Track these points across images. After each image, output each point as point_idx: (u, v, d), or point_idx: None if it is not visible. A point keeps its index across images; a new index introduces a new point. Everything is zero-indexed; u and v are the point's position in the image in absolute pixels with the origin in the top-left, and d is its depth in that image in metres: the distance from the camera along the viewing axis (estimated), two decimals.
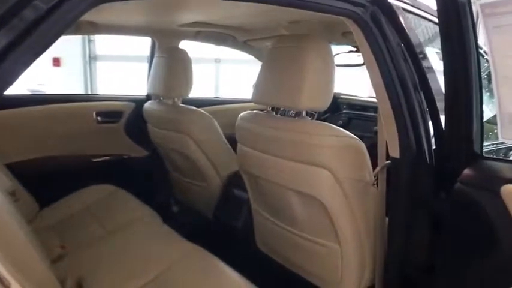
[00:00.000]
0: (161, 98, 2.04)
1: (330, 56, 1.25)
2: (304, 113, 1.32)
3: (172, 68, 1.88)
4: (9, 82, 0.61)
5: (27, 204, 1.92)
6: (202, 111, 1.90)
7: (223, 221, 1.94)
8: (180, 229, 1.79)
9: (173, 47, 2.02)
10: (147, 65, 2.37)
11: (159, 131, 2.03)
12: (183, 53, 1.89)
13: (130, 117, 2.30)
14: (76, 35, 2.07)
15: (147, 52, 2.38)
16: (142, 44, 2.50)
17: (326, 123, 1.26)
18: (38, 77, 5.17)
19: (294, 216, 1.39)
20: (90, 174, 2.18)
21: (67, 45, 4.93)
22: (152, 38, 2.28)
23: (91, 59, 5.06)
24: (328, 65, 1.23)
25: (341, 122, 2.48)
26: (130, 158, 2.37)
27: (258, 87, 1.36)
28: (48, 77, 5.09)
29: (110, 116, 2.25)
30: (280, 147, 1.29)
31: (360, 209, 1.25)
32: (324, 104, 1.24)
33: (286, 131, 1.27)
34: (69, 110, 2.15)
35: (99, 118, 2.22)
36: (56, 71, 5.07)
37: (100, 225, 1.77)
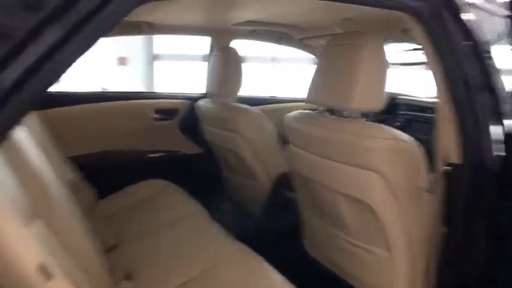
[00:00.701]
0: (214, 96, 2.07)
1: (383, 54, 1.18)
2: (357, 114, 1.26)
3: (224, 66, 1.90)
4: (56, 79, 0.63)
5: (88, 195, 2.03)
6: (254, 109, 1.90)
7: (271, 221, 1.93)
8: (229, 227, 1.79)
9: (226, 46, 2.05)
10: (204, 63, 2.42)
11: (211, 129, 2.06)
12: (234, 52, 1.91)
13: (186, 115, 2.36)
14: (136, 35, 2.15)
15: (204, 51, 2.43)
16: (202, 43, 2.55)
17: (380, 124, 1.19)
18: (105, 76, 5.51)
19: (344, 220, 1.34)
20: (146, 169, 2.26)
21: (132, 45, 5.18)
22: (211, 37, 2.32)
23: (152, 58, 5.29)
24: (381, 63, 1.17)
25: (398, 123, 2.37)
26: (185, 155, 2.43)
27: (311, 86, 1.33)
28: (114, 75, 5.39)
29: (166, 113, 2.33)
30: (331, 149, 1.25)
31: (412, 216, 1.18)
32: (377, 104, 1.18)
33: (337, 132, 1.22)
34: (129, 107, 2.25)
35: (156, 115, 2.30)
36: (122, 70, 5.34)
37: (151, 219, 1.82)
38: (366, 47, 1.15)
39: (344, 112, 1.29)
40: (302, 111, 1.43)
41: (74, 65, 0.68)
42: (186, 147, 2.42)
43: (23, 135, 1.32)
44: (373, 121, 2.11)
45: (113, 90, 2.60)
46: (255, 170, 1.95)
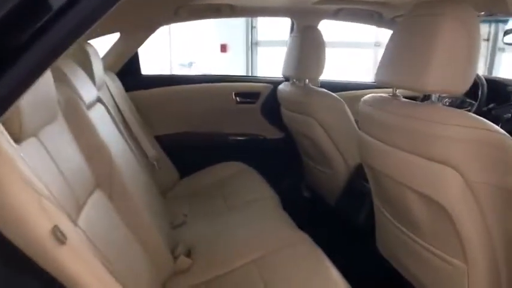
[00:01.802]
0: (294, 80, 1.99)
1: (475, 27, 0.98)
2: (434, 97, 1.07)
3: (304, 48, 1.80)
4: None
5: (169, 172, 2.14)
6: (334, 94, 1.78)
7: (344, 212, 1.80)
8: (301, 214, 1.74)
9: (307, 26, 1.94)
10: None
11: (289, 113, 1.99)
12: (316, 33, 1.79)
13: (268, 99, 2.32)
14: (217, 18, 2.17)
15: None
16: None
17: (462, 110, 1.00)
18: (208, 62, 5.78)
19: (414, 220, 1.17)
20: (226, 151, 2.30)
21: (233, 32, 5.33)
22: (291, 19, 2.23)
23: (253, 44, 5.37)
24: (471, 37, 0.97)
25: (510, 115, 2.00)
26: (265, 139, 2.40)
27: (381, 65, 1.18)
28: (216, 62, 5.61)
29: (248, 96, 2.32)
30: (400, 137, 1.09)
31: (497, 224, 0.96)
32: (460, 86, 0.98)
33: (408, 117, 1.06)
34: (212, 90, 2.29)
35: (238, 98, 2.31)
36: (223, 56, 5.54)
37: (223, 200, 1.85)
38: (453, 17, 0.96)
39: (432, 96, 1.11)
40: (376, 94, 1.27)
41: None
42: (267, 131, 2.39)
43: (99, 113, 1.43)
44: (478, 111, 1.83)
45: (195, 74, 2.67)
46: (332, 159, 1.83)
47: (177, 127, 2.27)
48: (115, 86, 1.97)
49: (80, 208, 0.99)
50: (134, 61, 2.18)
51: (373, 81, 2.53)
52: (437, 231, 1.10)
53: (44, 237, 0.64)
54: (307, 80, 1.89)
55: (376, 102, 1.22)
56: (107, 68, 2.04)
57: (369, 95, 1.29)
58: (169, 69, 5.50)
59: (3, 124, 0.75)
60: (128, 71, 2.13)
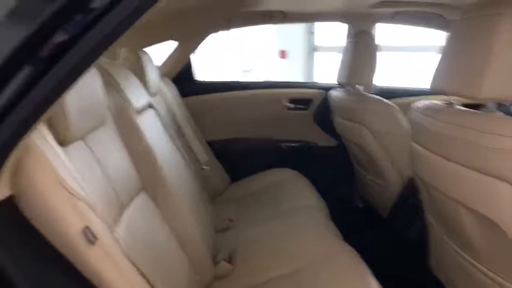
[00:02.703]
0: (347, 86, 1.93)
1: None
2: (491, 105, 0.98)
3: (356, 53, 1.74)
4: None
5: (220, 177, 2.18)
6: (387, 101, 1.69)
7: (396, 225, 1.70)
8: (352, 225, 1.69)
9: (360, 31, 1.87)
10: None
11: (340, 120, 1.93)
12: (369, 37, 1.73)
13: (320, 105, 2.27)
14: (269, 24, 2.16)
15: None
16: None
17: None
18: (267, 68, 5.81)
19: (469, 240, 1.07)
20: (277, 158, 2.29)
21: (293, 38, 5.31)
22: (348, 25, 2.17)
23: (311, 50, 5.30)
24: None
25: None
26: (317, 147, 2.35)
27: (435, 71, 1.10)
28: (275, 68, 5.63)
29: (300, 103, 2.29)
30: (451, 148, 1.00)
31: None
32: None
33: (459, 127, 0.97)
34: (264, 96, 2.30)
35: (289, 105, 2.29)
36: (283, 62, 5.53)
37: (270, 206, 1.83)
38: (510, 15, 0.87)
39: (489, 104, 1.02)
40: (428, 101, 1.19)
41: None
42: (320, 138, 2.34)
43: (149, 119, 1.48)
44: None
45: (247, 80, 2.69)
46: (384, 169, 1.74)
47: (229, 133, 2.30)
48: (170, 91, 2.04)
49: (122, 209, 1.02)
50: (188, 67, 2.25)
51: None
52: (493, 254, 1.00)
53: (74, 236, 0.67)
54: (359, 87, 1.82)
55: (428, 109, 1.14)
56: (164, 75, 2.13)
57: (421, 102, 1.21)
58: (229, 76, 5.61)
59: (50, 127, 0.80)
60: (182, 77, 2.20)
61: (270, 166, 2.22)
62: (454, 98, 1.11)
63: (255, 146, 2.31)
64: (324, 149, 2.34)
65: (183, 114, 2.07)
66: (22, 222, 0.65)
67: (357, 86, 1.85)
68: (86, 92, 0.94)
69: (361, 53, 1.73)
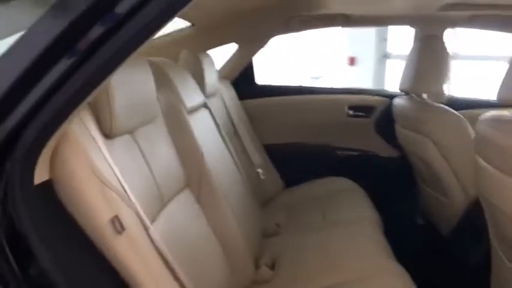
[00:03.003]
0: (412, 95, 1.81)
1: None
2: None
3: (422, 59, 1.62)
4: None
5: (274, 182, 2.16)
6: (454, 111, 1.56)
7: (457, 248, 1.55)
8: (410, 243, 1.60)
9: (428, 35, 1.73)
10: None
11: (402, 130, 1.81)
12: (438, 42, 1.60)
13: (383, 114, 2.15)
14: (329, 27, 2.09)
15: None
16: None
17: None
18: (335, 75, 5.69)
19: None
20: (334, 166, 2.21)
21: (363, 45, 5.15)
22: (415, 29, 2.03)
23: (383, 57, 5.09)
24: None
25: None
26: (377, 157, 2.23)
27: (503, 80, 0.99)
28: (344, 75, 5.50)
29: (361, 110, 2.19)
30: None
31: None
32: None
33: None
34: (322, 102, 2.23)
35: (350, 112, 2.20)
36: (351, 69, 5.39)
37: (321, 215, 1.78)
38: None
39: None
40: (497, 112, 1.07)
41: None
42: (381, 148, 2.22)
43: (201, 118, 1.51)
44: None
45: (307, 85, 2.64)
46: (449, 185, 1.60)
47: (286, 137, 2.27)
48: (229, 94, 2.07)
49: (164, 205, 1.05)
50: (249, 71, 2.26)
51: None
52: None
53: (103, 224, 0.69)
54: (425, 95, 1.69)
55: (495, 121, 1.03)
56: (224, 77, 2.17)
57: (489, 113, 1.09)
58: (297, 82, 5.59)
59: (97, 118, 0.84)
60: (243, 80, 2.22)
61: (326, 174, 2.15)
62: None
63: (312, 152, 2.26)
64: (385, 160, 2.22)
65: (240, 117, 2.08)
66: (57, 206, 0.68)
67: (423, 94, 1.72)
68: (137, 88, 0.98)
69: (427, 58, 1.60)
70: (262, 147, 2.19)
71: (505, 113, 1.05)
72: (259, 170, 2.03)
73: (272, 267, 1.39)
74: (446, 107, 1.57)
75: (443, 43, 1.61)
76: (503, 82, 0.98)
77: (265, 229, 1.68)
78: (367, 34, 5.05)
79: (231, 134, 1.95)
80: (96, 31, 0.59)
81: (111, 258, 0.70)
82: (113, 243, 0.70)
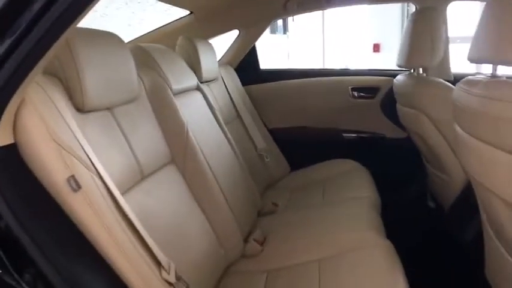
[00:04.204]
0: (412, 71, 1.78)
1: None
2: None
3: (415, 32, 1.59)
4: None
5: (280, 165, 2.19)
6: (449, 84, 1.51)
7: (452, 226, 1.51)
8: (419, 225, 1.63)
9: (423, 8, 1.68)
10: None
11: (401, 108, 1.78)
12: (432, 13, 1.55)
13: (388, 94, 2.12)
14: (326, 8, 2.07)
15: None
16: None
17: None
18: (360, 61, 5.60)
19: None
20: (340, 148, 2.21)
21: (387, 32, 5.04)
22: (413, 3, 1.98)
23: None
24: None
25: None
26: (385, 138, 2.20)
27: (474, 40, 0.96)
28: (369, 61, 5.41)
29: (365, 91, 2.17)
30: (482, 127, 0.87)
31: None
32: None
33: (494, 100, 0.84)
34: (326, 84, 2.23)
35: (354, 93, 2.19)
36: (376, 56, 5.29)
37: (322, 195, 1.79)
38: None
39: None
40: (473, 77, 1.04)
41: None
42: (387, 129, 2.18)
43: (191, 99, 1.56)
44: None
45: (313, 68, 2.62)
46: (446, 162, 1.56)
47: (291, 121, 2.28)
48: (231, 79, 2.11)
49: (144, 177, 1.11)
50: (252, 56, 2.29)
51: None
52: None
53: (59, 182, 0.76)
54: (420, 70, 1.66)
55: (467, 84, 1.00)
56: (227, 63, 2.21)
57: (465, 78, 1.06)
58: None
59: (69, 93, 0.91)
60: (246, 66, 2.26)
61: (333, 157, 2.15)
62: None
63: (317, 136, 2.26)
64: (392, 141, 2.18)
65: (243, 102, 2.12)
66: (20, 167, 0.76)
67: (420, 70, 1.69)
68: (113, 67, 1.04)
69: (421, 31, 1.56)
70: (267, 131, 2.22)
71: (480, 75, 1.03)
72: (263, 153, 2.07)
73: (262, 242, 1.42)
74: (440, 80, 1.53)
75: (438, 16, 1.57)
76: (472, 41, 0.95)
77: (262, 208, 1.71)
78: (392, 21, 4.94)
79: (233, 118, 2.00)
80: (37, 4, 0.66)
81: (69, 214, 0.77)
82: (68, 199, 0.76)
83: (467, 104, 0.94)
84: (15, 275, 0.72)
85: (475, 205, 1.32)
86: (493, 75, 0.95)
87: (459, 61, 1.72)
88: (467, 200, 1.46)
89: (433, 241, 1.63)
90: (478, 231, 1.27)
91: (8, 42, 0.67)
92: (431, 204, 2.05)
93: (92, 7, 0.68)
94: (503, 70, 0.93)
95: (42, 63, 0.70)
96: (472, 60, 0.97)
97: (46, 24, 0.65)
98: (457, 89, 1.05)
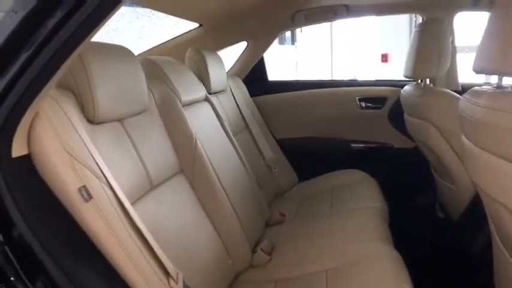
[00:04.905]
0: (419, 81, 1.78)
1: None
2: None
3: (422, 42, 1.60)
4: None
5: (288, 175, 2.20)
6: (455, 94, 1.52)
7: (461, 236, 1.50)
8: (427, 235, 1.63)
9: (429, 19, 1.69)
10: None
11: (408, 118, 1.79)
12: (439, 24, 1.57)
13: (396, 104, 2.12)
14: (333, 20, 2.09)
15: None
16: None
17: None
18: (368, 72, 5.61)
19: None
20: (348, 159, 2.21)
21: (394, 42, 5.06)
22: (420, 14, 1.99)
23: None
24: None
25: None
26: (392, 148, 2.20)
27: (478, 51, 0.97)
28: (377, 72, 5.42)
29: (373, 101, 2.18)
30: (484, 136, 0.88)
31: None
32: None
33: (497, 111, 0.84)
34: (334, 95, 2.24)
35: (362, 103, 2.19)
36: (384, 66, 5.30)
37: (330, 206, 1.79)
38: None
39: None
40: (479, 87, 1.04)
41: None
42: (395, 139, 2.18)
43: (200, 110, 1.58)
44: None
45: (321, 79, 2.64)
46: (455, 172, 1.55)
47: (300, 132, 2.30)
48: (239, 90, 2.14)
49: (153, 187, 1.13)
50: (261, 68, 2.32)
51: None
52: None
53: (71, 193, 0.78)
54: (428, 80, 1.67)
55: (473, 95, 1.01)
56: (236, 74, 2.24)
57: (471, 89, 1.07)
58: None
59: (81, 106, 0.94)
60: (254, 77, 2.29)
61: (340, 167, 2.16)
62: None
63: (325, 146, 2.27)
64: (401, 151, 2.18)
65: (251, 113, 2.14)
66: (36, 177, 0.78)
67: (427, 80, 1.70)
68: (124, 80, 1.07)
69: (427, 42, 1.57)
70: (275, 142, 2.23)
71: (485, 86, 1.03)
72: (270, 164, 2.08)
73: (271, 252, 1.43)
74: (447, 91, 1.54)
75: (444, 26, 1.58)
76: (477, 52, 0.96)
77: (269, 218, 1.72)
78: (400, 31, 4.96)
79: (241, 129, 2.02)
80: (52, 21, 0.69)
81: (80, 223, 0.79)
82: (80, 209, 0.78)
83: (473, 115, 0.94)
84: (28, 283, 0.74)
85: (484, 215, 1.31)
86: (499, 86, 0.95)
87: (468, 71, 1.72)
88: (476, 210, 1.45)
89: (441, 251, 1.62)
90: (486, 242, 1.26)
91: (23, 58, 0.70)
92: (440, 214, 2.04)
93: (105, 22, 0.71)
94: (510, 80, 0.93)
95: (55, 78, 0.73)
96: (477, 71, 0.97)
97: (60, 41, 0.68)
98: (462, 99, 1.06)
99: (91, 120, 0.96)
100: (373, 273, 1.17)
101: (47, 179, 0.78)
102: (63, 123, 0.82)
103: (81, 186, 0.79)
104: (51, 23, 0.68)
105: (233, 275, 1.33)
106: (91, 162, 0.85)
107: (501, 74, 0.89)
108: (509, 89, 0.93)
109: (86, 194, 0.79)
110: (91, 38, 0.71)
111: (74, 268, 0.77)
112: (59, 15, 0.68)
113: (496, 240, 1.10)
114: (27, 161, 0.78)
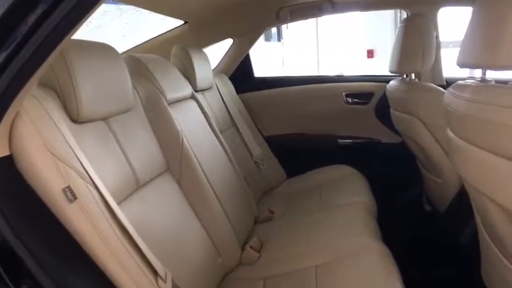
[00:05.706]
0: (405, 76, 1.80)
1: None
2: None
3: (405, 37, 1.61)
4: None
5: (276, 172, 2.19)
6: (441, 89, 1.53)
7: (449, 228, 1.52)
8: (415, 228, 1.63)
9: (412, 14, 1.71)
10: None
11: (394, 113, 1.80)
12: (422, 20, 1.58)
13: (382, 99, 2.14)
14: (318, 16, 2.10)
15: None
16: None
17: None
18: (354, 68, 5.64)
19: (505, 244, 0.92)
20: (336, 154, 2.22)
21: (380, 38, 5.09)
22: (404, 10, 2.01)
23: None
24: None
25: None
26: (379, 143, 2.22)
27: (462, 45, 0.98)
28: (363, 67, 5.45)
29: (359, 97, 2.19)
30: (471, 130, 0.89)
31: None
32: None
33: (482, 104, 0.85)
34: (320, 91, 2.24)
35: (348, 99, 2.20)
36: (370, 62, 5.33)
37: (318, 202, 1.80)
38: None
39: None
40: (462, 81, 1.05)
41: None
42: (382, 134, 2.20)
43: (186, 108, 1.57)
44: None
45: (307, 75, 2.64)
46: (441, 166, 1.57)
47: (287, 128, 2.30)
48: (226, 87, 2.12)
49: (139, 186, 1.11)
50: (247, 64, 2.31)
51: None
52: None
53: (55, 193, 0.76)
54: (413, 75, 1.68)
55: (457, 89, 1.02)
56: (222, 71, 2.23)
57: (455, 83, 1.08)
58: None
59: (64, 105, 0.92)
60: (240, 74, 2.27)
61: (328, 163, 2.16)
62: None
63: (313, 142, 2.27)
64: (388, 146, 2.20)
65: (238, 110, 2.13)
66: (16, 179, 0.76)
67: (412, 75, 1.71)
68: (107, 79, 1.05)
69: (411, 37, 1.58)
70: (262, 138, 2.23)
71: (469, 80, 1.04)
72: (258, 161, 2.08)
73: (260, 249, 1.43)
74: (432, 85, 1.55)
75: (428, 21, 1.59)
76: (461, 46, 0.97)
77: (258, 216, 1.72)
78: (385, 27, 5.00)
79: (228, 126, 2.01)
80: (32, 18, 0.67)
81: (65, 224, 0.77)
82: (64, 210, 0.77)
83: (457, 109, 0.95)
84: (12, 286, 0.72)
85: (470, 208, 1.33)
86: (482, 80, 0.97)
87: (452, 66, 1.74)
88: (463, 203, 1.47)
89: (429, 244, 1.64)
90: (473, 234, 1.28)
91: (3, 55, 0.68)
92: (427, 207, 2.06)
93: (86, 19, 0.69)
94: (493, 74, 0.95)
95: (36, 76, 0.71)
96: (460, 65, 0.98)
97: (40, 37, 0.66)
98: (447, 93, 1.07)
99: (75, 119, 0.94)
100: (363, 267, 1.17)
101: (30, 180, 0.76)
102: (46, 122, 0.81)
103: (65, 187, 0.77)
104: (31, 19, 0.66)
105: (222, 273, 1.32)
106: (75, 162, 0.83)
107: (485, 68, 0.90)
108: (493, 82, 0.95)
109: (71, 194, 0.77)
110: (73, 34, 0.70)
111: (60, 270, 0.76)
112: (39, 11, 0.66)
113: (482, 232, 1.12)
114: (8, 162, 0.76)
